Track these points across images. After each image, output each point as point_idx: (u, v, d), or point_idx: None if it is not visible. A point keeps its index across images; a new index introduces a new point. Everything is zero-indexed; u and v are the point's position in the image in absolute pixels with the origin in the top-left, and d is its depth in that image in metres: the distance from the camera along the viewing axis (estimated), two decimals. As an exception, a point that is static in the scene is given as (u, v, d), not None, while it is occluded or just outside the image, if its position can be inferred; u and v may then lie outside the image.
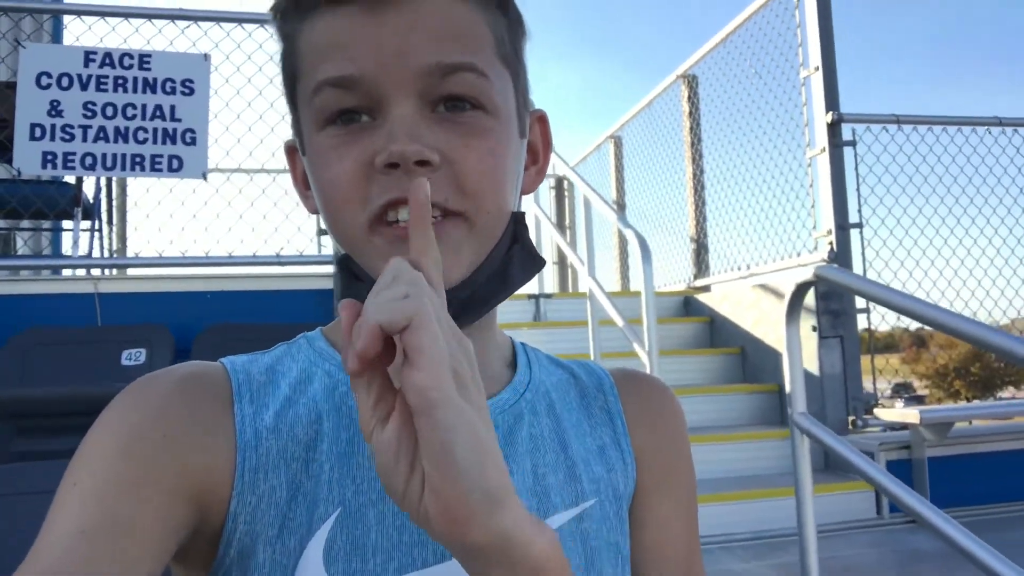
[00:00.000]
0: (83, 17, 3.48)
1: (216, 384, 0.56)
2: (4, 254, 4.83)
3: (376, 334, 0.40)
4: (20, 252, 5.24)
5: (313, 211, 0.61)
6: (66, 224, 4.43)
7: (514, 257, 0.60)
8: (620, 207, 6.26)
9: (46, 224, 4.79)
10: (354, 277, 0.58)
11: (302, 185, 0.62)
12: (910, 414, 3.11)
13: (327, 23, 0.54)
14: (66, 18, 4.46)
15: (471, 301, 0.57)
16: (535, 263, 0.62)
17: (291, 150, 0.63)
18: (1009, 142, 4.01)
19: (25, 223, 4.89)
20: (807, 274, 2.07)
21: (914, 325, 4.00)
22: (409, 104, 0.53)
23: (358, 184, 0.53)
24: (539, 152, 0.65)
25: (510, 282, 0.60)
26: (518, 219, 0.60)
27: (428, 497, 0.40)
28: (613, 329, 3.56)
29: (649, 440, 0.66)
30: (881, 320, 3.70)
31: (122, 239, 5.34)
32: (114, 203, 4.74)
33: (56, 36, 5.31)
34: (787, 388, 2.20)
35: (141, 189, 3.79)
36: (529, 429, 0.61)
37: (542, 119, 0.65)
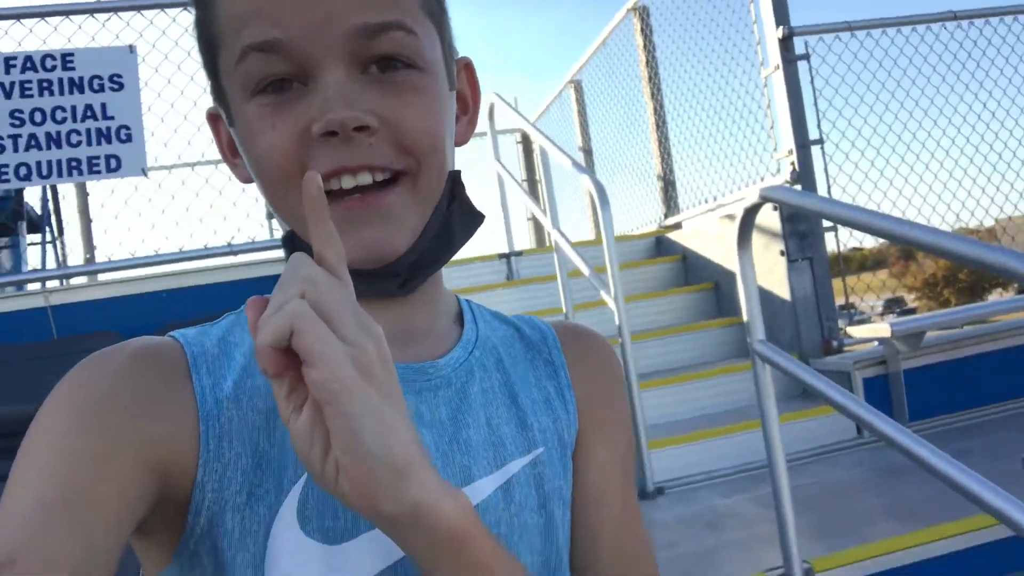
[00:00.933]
0: (-4, 23, 3.35)
1: (171, 356, 0.56)
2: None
3: (270, 354, 0.43)
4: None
5: (245, 180, 0.61)
6: (32, 238, 4.34)
7: (454, 215, 0.61)
8: (587, 153, 6.15)
9: (1, 242, 4.71)
10: (300, 250, 0.57)
11: (230, 153, 0.62)
12: (880, 329, 3.05)
13: None
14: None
15: (418, 264, 0.58)
16: (475, 219, 0.63)
17: (213, 117, 0.62)
18: (966, 35, 3.88)
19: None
20: (753, 197, 1.99)
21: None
22: (340, 68, 0.52)
23: (295, 155, 0.52)
24: (468, 101, 0.65)
25: (453, 240, 0.61)
26: (455, 177, 0.61)
27: (341, 477, 0.43)
28: (584, 280, 3.50)
29: (588, 390, 0.68)
30: (850, 237, 3.62)
31: (90, 248, 5.24)
32: (70, 212, 4.63)
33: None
34: (744, 317, 2.13)
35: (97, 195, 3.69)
36: (480, 384, 0.63)
37: (468, 67, 0.65)
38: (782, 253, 3.44)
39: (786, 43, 3.50)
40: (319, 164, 0.52)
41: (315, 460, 0.43)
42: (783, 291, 3.47)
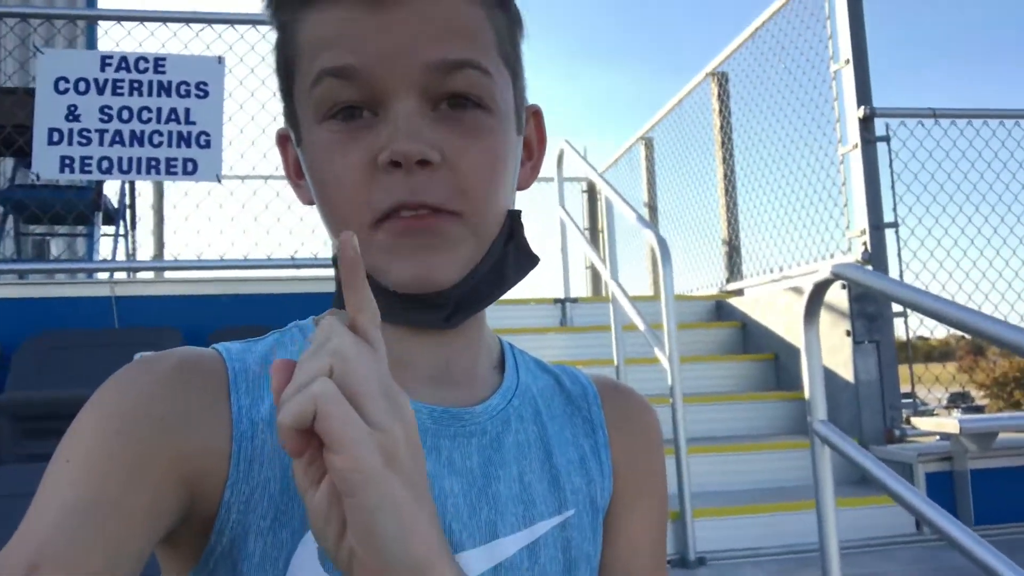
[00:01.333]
0: (99, 23, 3.50)
1: (213, 371, 0.55)
2: (37, 259, 4.89)
3: (291, 434, 0.40)
4: (53, 258, 5.31)
5: (307, 202, 0.61)
6: (107, 229, 4.48)
7: (509, 255, 0.60)
8: (651, 210, 6.11)
9: (80, 230, 4.86)
10: None
11: (294, 174, 0.62)
12: (948, 423, 2.92)
13: (328, 14, 0.53)
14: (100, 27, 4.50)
15: (467, 299, 0.57)
16: (530, 261, 0.62)
17: (283, 138, 0.63)
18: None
19: (61, 229, 4.98)
20: (825, 272, 1.93)
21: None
22: (411, 100, 0.52)
23: (361, 184, 0.53)
24: (533, 147, 0.65)
25: (505, 280, 0.60)
26: (514, 217, 0.60)
27: (355, 565, 0.41)
28: (638, 334, 3.44)
29: (627, 453, 0.66)
30: (920, 324, 3.49)
31: (159, 245, 5.39)
32: (137, 208, 4.76)
33: (91, 44, 5.39)
34: (806, 395, 2.05)
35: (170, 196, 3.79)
36: (516, 436, 0.61)
37: (536, 114, 0.65)
38: (848, 333, 3.33)
39: (867, 123, 3.44)
40: (381, 197, 0.52)
41: (330, 540, 0.42)
42: (847, 372, 3.35)
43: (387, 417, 0.41)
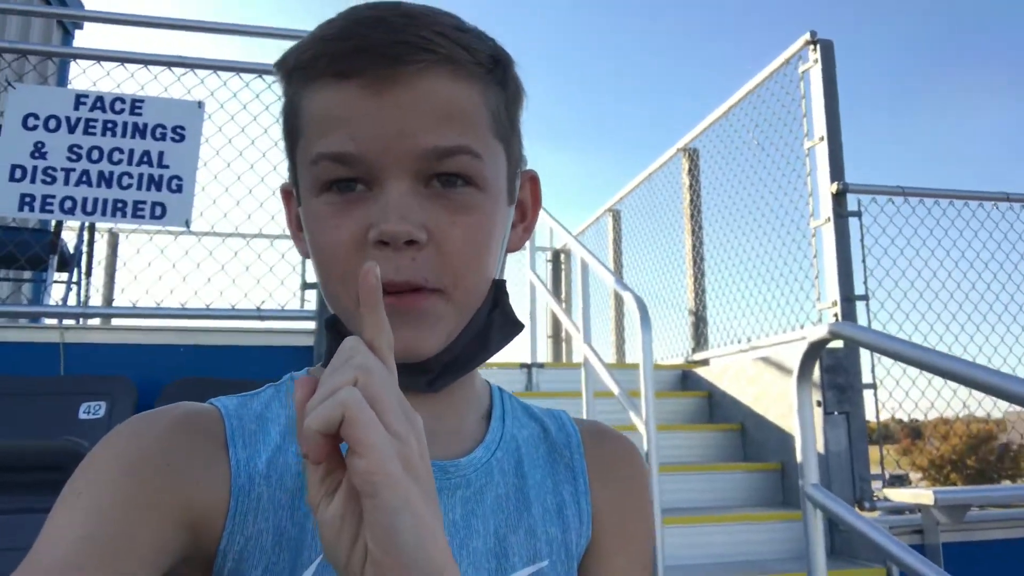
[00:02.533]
0: (78, 60, 3.43)
1: (212, 426, 0.58)
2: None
3: (318, 440, 0.42)
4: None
5: (305, 255, 0.63)
6: (59, 276, 4.29)
7: (494, 322, 0.63)
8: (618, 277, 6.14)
9: (27, 275, 4.65)
10: (341, 337, 0.59)
11: (295, 227, 0.65)
12: (924, 495, 2.90)
13: (331, 95, 0.56)
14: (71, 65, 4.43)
15: (452, 364, 0.60)
16: (514, 327, 0.65)
17: (287, 193, 0.65)
18: (1017, 217, 3.92)
19: (9, 273, 4.76)
20: (821, 331, 1.92)
21: (907, 414, 3.80)
22: (404, 181, 0.55)
23: (351, 257, 0.55)
24: (528, 210, 0.68)
25: (489, 346, 0.63)
26: (499, 286, 0.63)
27: (368, 568, 0.42)
28: (608, 401, 3.38)
29: (609, 497, 0.68)
30: (887, 400, 3.52)
31: (108, 300, 5.18)
32: (95, 255, 4.60)
33: (61, 82, 5.27)
34: (799, 458, 2.01)
35: (120, 238, 3.65)
36: (496, 489, 0.63)
37: (533, 179, 0.68)
38: (818, 403, 3.33)
39: (839, 198, 3.53)
40: None
41: (342, 549, 0.43)
42: (817, 444, 3.34)
43: (405, 428, 0.44)
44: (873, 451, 3.57)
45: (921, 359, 1.58)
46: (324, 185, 0.57)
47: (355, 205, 0.56)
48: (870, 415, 3.46)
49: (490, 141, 0.59)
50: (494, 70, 0.60)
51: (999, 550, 3.12)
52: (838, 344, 3.36)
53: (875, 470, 3.46)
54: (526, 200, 0.68)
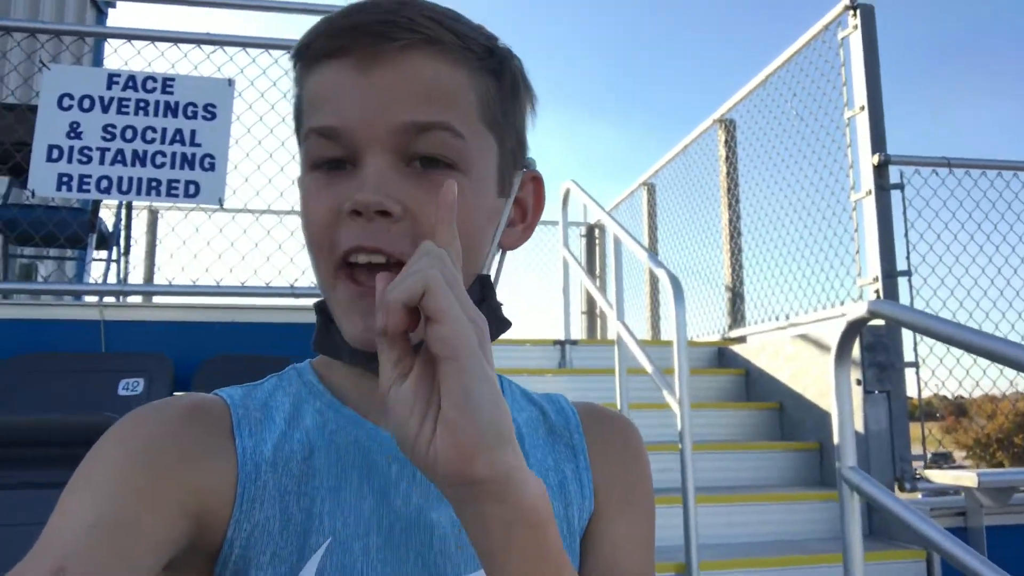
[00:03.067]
0: (109, 40, 3.45)
1: (219, 415, 0.60)
2: (24, 281, 4.76)
3: (398, 310, 0.46)
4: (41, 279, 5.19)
5: None
6: (99, 254, 4.36)
7: None
8: (653, 254, 6.07)
9: (70, 253, 4.75)
10: (329, 320, 0.62)
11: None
12: (966, 477, 2.82)
13: (325, 74, 0.59)
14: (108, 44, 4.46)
15: None
16: (501, 325, 0.65)
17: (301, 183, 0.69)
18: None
19: (52, 252, 4.86)
20: (860, 310, 1.86)
21: (950, 392, 3.71)
22: (384, 156, 0.57)
23: (327, 228, 0.58)
24: (528, 211, 0.69)
25: None
26: (484, 282, 0.63)
27: (440, 437, 0.44)
28: (641, 378, 3.34)
29: (610, 472, 0.70)
30: (929, 379, 3.43)
31: (150, 270, 5.27)
32: (138, 233, 4.66)
33: (97, 62, 5.33)
34: (835, 439, 1.96)
35: (165, 224, 3.69)
36: None
37: (536, 180, 0.69)
38: (858, 382, 3.25)
39: (881, 170, 3.42)
40: (343, 239, 0.57)
41: (414, 423, 0.45)
42: (856, 422, 3.26)
43: (474, 311, 0.47)
44: (915, 430, 3.49)
45: (961, 338, 1.52)
46: (315, 162, 0.59)
47: (338, 181, 0.58)
48: (912, 393, 3.38)
49: (476, 125, 0.60)
50: (487, 59, 0.61)
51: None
52: (879, 321, 3.27)
53: (917, 449, 3.39)
54: (527, 200, 0.68)
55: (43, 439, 2.35)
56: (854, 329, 1.92)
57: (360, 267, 0.57)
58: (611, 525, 0.68)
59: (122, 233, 4.22)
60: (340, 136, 0.57)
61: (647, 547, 0.70)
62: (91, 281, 3.72)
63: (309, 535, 0.57)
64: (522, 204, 0.68)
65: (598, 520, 0.68)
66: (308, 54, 0.61)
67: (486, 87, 0.61)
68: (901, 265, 3.39)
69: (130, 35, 3.42)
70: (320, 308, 0.63)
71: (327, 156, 0.58)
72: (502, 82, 0.63)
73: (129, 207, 4.23)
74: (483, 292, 0.63)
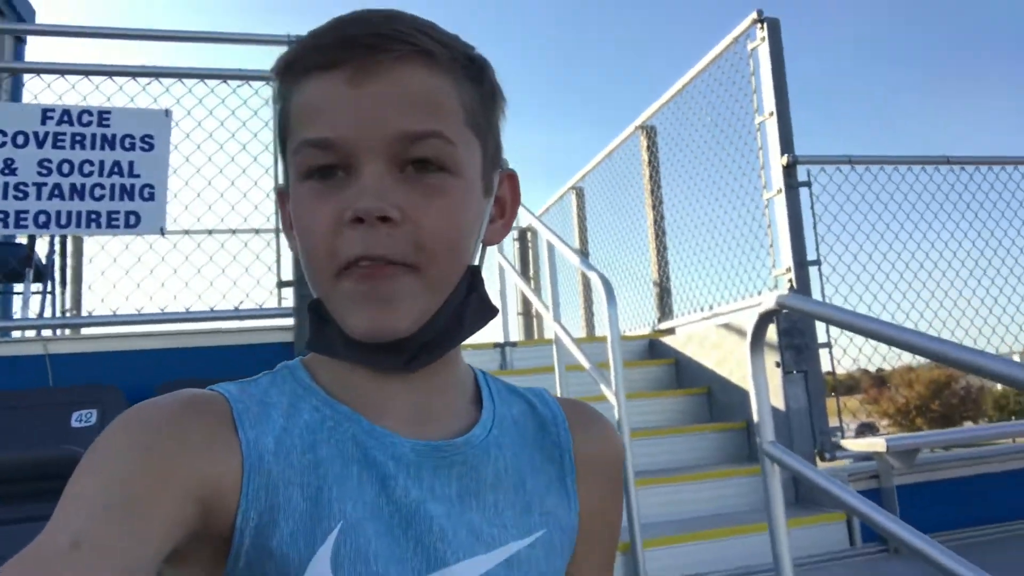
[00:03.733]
0: (42, 75, 3.47)
1: (220, 408, 0.60)
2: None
3: None
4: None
5: (296, 251, 0.66)
6: (17, 287, 4.34)
7: (470, 306, 0.66)
8: (584, 255, 6.31)
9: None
10: (323, 320, 0.64)
11: (288, 227, 0.68)
12: (876, 443, 3.13)
13: (315, 87, 0.60)
14: (25, 76, 4.43)
15: (428, 345, 0.63)
16: (489, 311, 0.68)
17: (282, 195, 0.69)
18: (957, 179, 4.15)
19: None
20: (769, 303, 2.09)
21: (873, 366, 4.06)
22: (380, 164, 0.59)
23: (329, 236, 0.59)
24: (506, 206, 0.72)
25: (464, 328, 0.66)
26: (474, 272, 0.67)
27: None
28: (579, 374, 3.54)
29: (591, 481, 0.72)
30: (842, 357, 3.74)
31: (76, 302, 5.22)
32: (68, 263, 4.64)
33: (15, 95, 5.27)
34: (755, 418, 2.20)
35: (96, 247, 3.72)
36: (494, 464, 0.67)
37: (512, 177, 0.72)
38: (777, 364, 3.54)
39: (789, 170, 3.72)
40: (346, 248, 0.58)
41: None
42: (777, 401, 3.55)
43: None
44: (847, 402, 3.78)
45: (855, 324, 1.76)
46: (308, 172, 0.60)
47: (334, 190, 0.59)
48: (836, 373, 3.67)
49: (463, 131, 0.63)
50: (468, 67, 0.64)
51: (948, 488, 3.37)
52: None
53: (845, 420, 3.67)
54: (505, 197, 0.71)
55: (10, 476, 2.40)
56: (765, 320, 2.15)
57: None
58: (595, 546, 0.73)
59: (56, 264, 4.23)
60: (335, 147, 0.59)
61: (614, 558, 0.77)
62: (34, 315, 3.72)
63: (320, 520, 0.58)
64: (501, 201, 0.71)
65: (585, 536, 0.72)
66: (296, 68, 0.62)
67: (470, 94, 0.64)
68: (811, 255, 3.70)
69: (63, 70, 3.45)
70: (313, 308, 0.65)
71: (320, 164, 0.60)
72: (483, 89, 0.66)
73: (64, 239, 4.22)
74: (473, 282, 0.66)
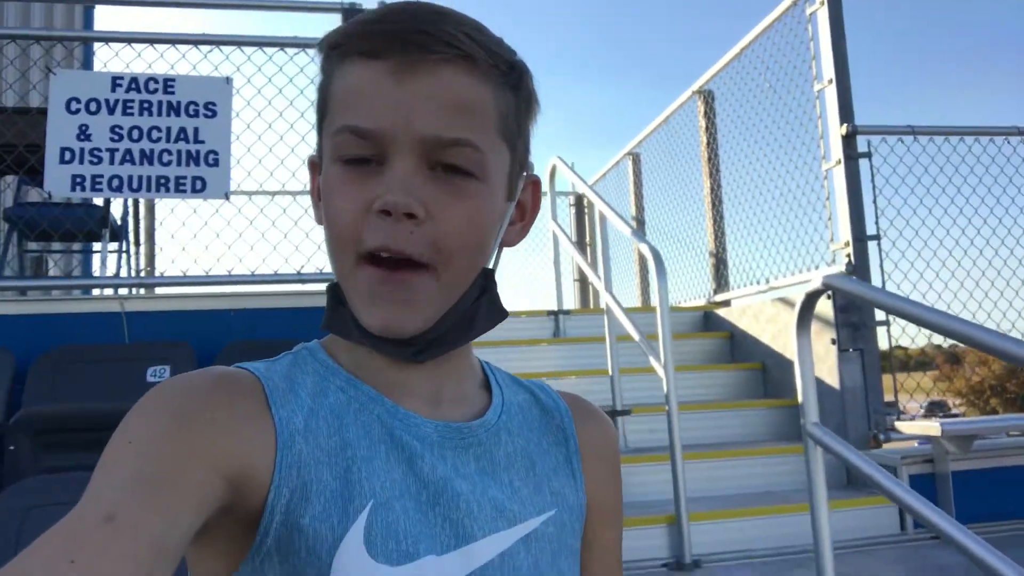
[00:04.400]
0: (110, 44, 3.59)
1: (251, 386, 0.62)
2: (36, 275, 4.95)
3: None
4: (51, 273, 5.37)
5: (319, 222, 0.68)
6: (95, 246, 4.56)
7: (481, 308, 0.68)
8: (639, 223, 6.27)
9: (76, 246, 4.93)
10: (339, 302, 0.66)
11: (315, 196, 0.70)
12: (931, 427, 3.07)
13: (359, 73, 0.62)
14: (95, 45, 4.59)
15: (435, 341, 0.66)
16: (498, 315, 0.71)
17: (313, 164, 0.71)
18: (1030, 150, 3.97)
19: (56, 245, 5.03)
20: (816, 282, 2.07)
21: (947, 342, 3.95)
22: (411, 160, 0.60)
23: (355, 223, 0.61)
24: (527, 211, 0.74)
25: (474, 329, 0.68)
26: (488, 275, 0.69)
27: None
28: (631, 345, 3.56)
29: (599, 470, 0.76)
30: (902, 334, 3.66)
31: (150, 260, 5.47)
32: (141, 224, 4.85)
33: (87, 63, 5.47)
34: (799, 399, 2.19)
35: (166, 210, 3.87)
36: (505, 447, 0.70)
37: (535, 183, 0.74)
38: (833, 342, 3.49)
39: (849, 140, 3.61)
40: (370, 237, 0.60)
41: None
42: (832, 380, 3.51)
43: None
44: (910, 381, 3.69)
45: (901, 309, 1.73)
46: (343, 155, 0.62)
47: (366, 177, 0.61)
48: (908, 348, 3.59)
49: (494, 138, 0.64)
50: (509, 74, 0.65)
51: (1009, 476, 3.29)
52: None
53: (917, 398, 3.60)
54: (526, 202, 0.73)
55: (88, 425, 2.57)
56: (812, 299, 2.13)
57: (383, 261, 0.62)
58: (605, 528, 0.76)
59: (130, 226, 4.42)
60: (372, 137, 0.61)
61: (620, 554, 0.79)
62: (109, 274, 3.91)
63: (351, 499, 0.60)
64: (522, 205, 0.73)
65: (593, 518, 0.75)
66: (341, 50, 0.64)
67: (507, 102, 0.65)
68: (871, 229, 3.61)
69: (130, 39, 3.57)
70: (331, 289, 0.67)
71: (355, 154, 0.62)
72: (519, 96, 0.67)
73: (136, 202, 4.40)
74: (485, 284, 0.68)
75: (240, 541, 0.59)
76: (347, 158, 0.62)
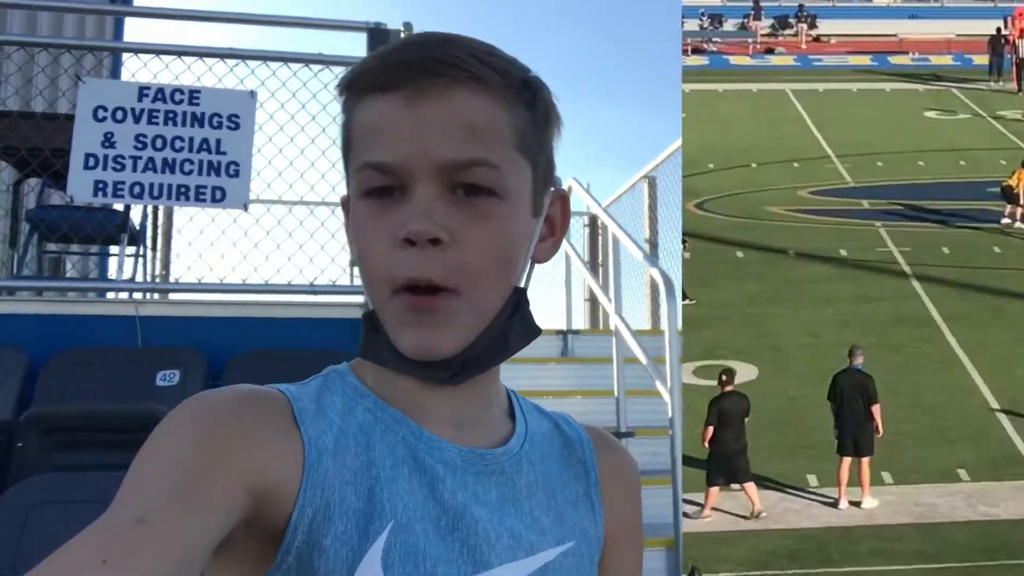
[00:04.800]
0: (139, 55, 3.67)
1: (281, 404, 0.63)
2: (54, 276, 5.02)
3: None
4: (68, 275, 5.44)
5: (355, 261, 0.73)
6: (112, 249, 4.63)
7: (514, 326, 0.69)
8: (652, 246, 6.29)
9: (94, 249, 5.00)
10: (375, 329, 0.67)
11: (349, 235, 0.71)
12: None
13: (375, 108, 0.64)
14: (124, 55, 4.69)
15: (471, 362, 0.66)
16: (532, 332, 0.71)
17: (345, 203, 0.72)
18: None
19: (74, 247, 5.11)
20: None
21: None
22: (432, 187, 0.62)
23: (385, 259, 0.62)
24: (556, 226, 0.74)
25: (508, 348, 0.69)
26: (520, 293, 0.69)
27: None
28: (639, 367, 3.58)
29: (618, 500, 0.76)
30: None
31: (165, 266, 5.54)
32: (159, 231, 4.92)
33: (115, 72, 5.58)
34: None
35: (184, 218, 3.94)
36: (527, 476, 0.70)
37: (563, 198, 0.74)
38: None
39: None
40: (397, 273, 0.61)
41: None
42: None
43: None
44: None
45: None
46: (367, 191, 0.64)
47: (390, 209, 0.62)
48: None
49: (512, 155, 0.65)
50: (523, 91, 0.66)
51: None
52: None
53: None
54: (555, 216, 0.73)
55: (96, 426, 2.62)
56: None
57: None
58: (624, 558, 0.76)
59: (148, 231, 4.48)
60: (392, 170, 0.62)
61: None
62: (127, 278, 3.98)
63: (372, 519, 0.60)
64: (551, 221, 0.72)
65: (613, 548, 0.75)
66: (357, 86, 0.66)
67: (522, 118, 0.66)
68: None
69: (158, 50, 3.65)
70: (367, 318, 0.68)
71: (378, 185, 0.63)
72: (536, 112, 0.68)
73: (156, 208, 4.47)
74: (518, 302, 0.68)
75: (261, 559, 0.60)
76: (370, 190, 0.63)
